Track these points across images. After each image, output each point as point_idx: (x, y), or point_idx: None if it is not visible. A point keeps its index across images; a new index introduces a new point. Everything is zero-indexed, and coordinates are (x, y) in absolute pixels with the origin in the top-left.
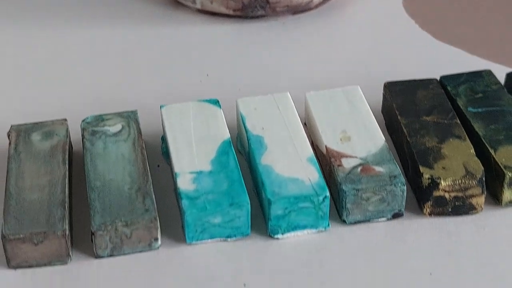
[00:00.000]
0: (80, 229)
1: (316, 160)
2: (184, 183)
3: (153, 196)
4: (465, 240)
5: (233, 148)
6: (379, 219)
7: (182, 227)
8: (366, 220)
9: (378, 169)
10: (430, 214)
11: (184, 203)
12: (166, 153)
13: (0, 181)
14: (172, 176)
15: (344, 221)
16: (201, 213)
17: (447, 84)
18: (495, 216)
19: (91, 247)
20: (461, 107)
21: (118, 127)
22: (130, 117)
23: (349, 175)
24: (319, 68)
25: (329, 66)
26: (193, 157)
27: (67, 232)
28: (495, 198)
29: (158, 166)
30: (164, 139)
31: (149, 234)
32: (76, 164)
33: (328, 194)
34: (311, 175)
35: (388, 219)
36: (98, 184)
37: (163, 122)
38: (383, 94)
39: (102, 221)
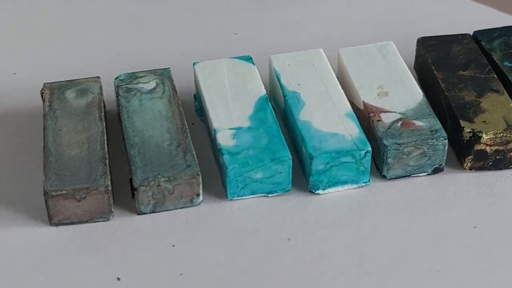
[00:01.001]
0: (119, 187)
1: (355, 115)
2: (224, 139)
3: (194, 152)
4: (506, 193)
5: (270, 104)
6: (420, 174)
7: (223, 183)
8: (407, 175)
9: (418, 123)
10: (470, 169)
11: (226, 158)
12: (200, 111)
13: (36, 139)
14: (209, 134)
15: (384, 177)
16: (243, 168)
17: (481, 39)
18: None
19: (132, 204)
20: (497, 61)
21: (152, 84)
22: (163, 75)
23: (389, 130)
24: (350, 25)
25: (360, 23)
26: (231, 114)
27: (110, 187)
28: None
29: (193, 124)
30: (197, 96)
31: (191, 190)
32: (110, 121)
33: (370, 148)
34: (351, 130)
35: (428, 174)
36: (137, 141)
37: (196, 79)
38: (416, 49)
39: (144, 176)
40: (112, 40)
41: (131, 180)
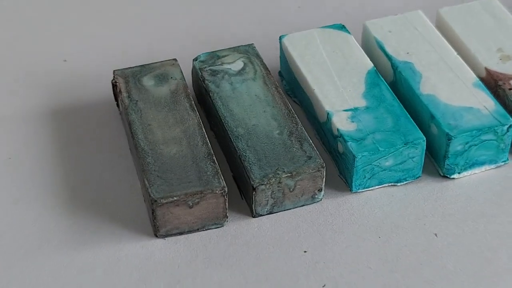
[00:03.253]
0: (228, 186)
1: (483, 85)
2: (342, 123)
3: (310, 139)
4: None
5: (382, 78)
6: None
7: (341, 173)
8: None
9: None
10: None
11: (351, 145)
12: (291, 90)
13: (114, 136)
14: (310, 117)
15: None
16: (373, 155)
17: None
18: None
19: (242, 205)
20: None
21: (239, 64)
22: (248, 52)
23: None
24: None
25: None
26: (342, 93)
27: (226, 189)
28: None
29: None
30: (285, 75)
31: (314, 185)
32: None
33: None
34: (485, 102)
35: None
36: (241, 132)
37: (287, 54)
38: None
39: (262, 173)
40: (175, 18)
41: (235, 178)
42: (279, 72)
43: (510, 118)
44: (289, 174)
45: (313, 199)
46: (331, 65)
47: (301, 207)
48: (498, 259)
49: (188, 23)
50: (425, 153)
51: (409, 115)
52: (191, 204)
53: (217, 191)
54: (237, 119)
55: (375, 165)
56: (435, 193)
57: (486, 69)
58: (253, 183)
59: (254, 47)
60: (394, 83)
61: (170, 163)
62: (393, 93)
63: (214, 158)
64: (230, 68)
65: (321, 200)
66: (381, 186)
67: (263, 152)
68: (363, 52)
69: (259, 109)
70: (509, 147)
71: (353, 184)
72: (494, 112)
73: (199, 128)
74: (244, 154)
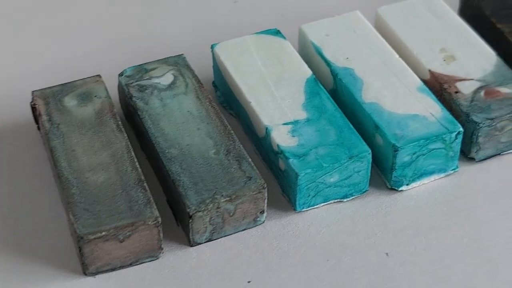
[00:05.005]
0: (161, 212)
1: (428, 89)
2: (282, 138)
3: (249, 158)
4: None
5: (322, 86)
6: (511, 151)
7: (284, 192)
8: (497, 154)
9: (504, 90)
10: None
11: (293, 163)
12: (226, 102)
13: (33, 164)
14: (249, 131)
15: (471, 159)
16: (317, 172)
17: None
18: None
19: (178, 232)
20: None
21: (169, 77)
22: (179, 63)
23: (473, 102)
24: None
25: None
26: (280, 104)
27: (160, 219)
28: None
29: None
30: (219, 85)
31: (255, 207)
32: (126, 129)
33: (461, 128)
34: (432, 108)
35: None
36: (174, 153)
37: (220, 64)
38: (460, 0)
39: (199, 199)
40: (98, 27)
41: (169, 202)
42: (213, 82)
43: (458, 124)
44: (228, 198)
45: (255, 222)
46: (268, 74)
47: (243, 231)
48: (454, 277)
49: (112, 35)
50: (372, 165)
51: (352, 126)
52: (122, 238)
53: (149, 222)
54: (169, 139)
55: (319, 182)
56: (383, 208)
57: (430, 71)
58: (189, 210)
59: (185, 57)
60: (334, 91)
61: (97, 193)
62: (335, 102)
63: (145, 184)
64: (159, 82)
65: (264, 222)
66: (327, 203)
67: (199, 175)
68: (301, 58)
69: (193, 126)
70: (458, 154)
71: (297, 203)
72: (441, 119)
73: (127, 151)
74: (178, 178)
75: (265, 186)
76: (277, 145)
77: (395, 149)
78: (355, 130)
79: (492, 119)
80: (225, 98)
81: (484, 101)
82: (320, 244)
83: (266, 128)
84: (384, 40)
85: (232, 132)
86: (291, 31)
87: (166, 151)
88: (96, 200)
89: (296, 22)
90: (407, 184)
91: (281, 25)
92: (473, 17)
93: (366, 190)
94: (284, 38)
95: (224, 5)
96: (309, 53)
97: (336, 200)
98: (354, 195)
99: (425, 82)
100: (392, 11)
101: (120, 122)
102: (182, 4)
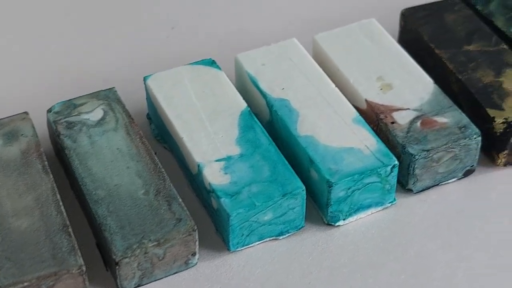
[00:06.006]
0: (89, 257)
1: (364, 120)
2: (214, 176)
3: (180, 198)
4: None
5: (256, 119)
6: (449, 181)
7: (218, 231)
8: (435, 185)
9: (441, 119)
10: (505, 165)
11: (225, 202)
12: (160, 136)
13: None
14: (183, 166)
15: (409, 190)
16: (250, 212)
17: (473, 3)
18: None
19: (106, 277)
20: (501, 28)
21: (98, 112)
22: (109, 97)
23: (409, 133)
24: (313, 2)
25: (323, 0)
26: (213, 140)
27: (84, 267)
28: None
29: (155, 154)
30: (153, 117)
31: (187, 250)
32: (53, 169)
33: (396, 162)
34: (367, 140)
35: (458, 179)
36: (101, 194)
37: (152, 96)
38: (400, 24)
39: (126, 244)
40: (26, 60)
41: (98, 245)
42: (147, 115)
43: (393, 158)
44: (156, 243)
45: (187, 265)
46: (201, 107)
47: (174, 275)
48: None
49: (41, 68)
50: (309, 199)
51: (286, 161)
52: None
53: (73, 271)
54: (97, 179)
55: (253, 221)
56: (320, 245)
57: (366, 101)
58: (115, 256)
59: (115, 91)
60: (271, 123)
61: (20, 240)
62: (270, 136)
63: (70, 229)
64: (89, 118)
65: (196, 264)
66: (262, 241)
67: (127, 218)
68: (236, 90)
69: (122, 165)
70: (395, 187)
71: (231, 243)
72: (376, 152)
73: (52, 194)
74: (104, 222)
75: (195, 228)
76: (209, 183)
77: (329, 185)
78: (289, 166)
79: (428, 150)
80: (159, 131)
81: (420, 131)
82: (254, 285)
83: (198, 165)
84: (320, 69)
85: (163, 170)
86: (230, 58)
87: (93, 192)
88: (19, 248)
89: (234, 50)
90: (344, 219)
91: (219, 52)
92: (413, 42)
93: (302, 227)
94: (219, 68)
95: (161, 32)
96: (245, 83)
97: (271, 238)
98: (290, 232)
99: (362, 112)
100: (329, 38)
101: (46, 163)
102: (116, 33)
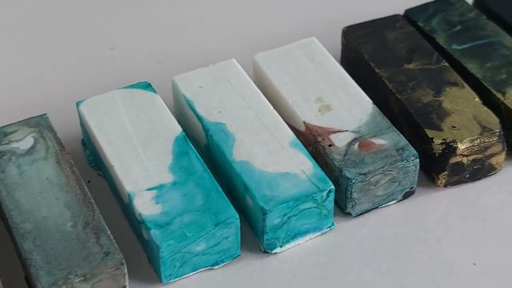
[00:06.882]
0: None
1: (302, 143)
2: (145, 206)
3: (108, 231)
4: (496, 209)
5: (191, 145)
6: (389, 203)
7: (151, 262)
8: (374, 208)
9: (379, 141)
10: (445, 185)
11: (154, 234)
12: (95, 162)
13: None
14: (116, 194)
15: (348, 214)
16: (181, 243)
17: (415, 19)
18: None
19: None
20: (443, 45)
21: (29, 140)
22: (40, 125)
23: (346, 156)
24: (254, 20)
25: (264, 18)
26: (145, 167)
27: None
28: (510, 150)
29: (89, 182)
30: (87, 143)
31: (115, 284)
32: None
33: (332, 186)
34: (303, 164)
35: (398, 201)
36: (28, 227)
37: (85, 122)
38: (342, 42)
39: (51, 280)
40: None
41: (26, 279)
42: (82, 140)
43: (329, 182)
44: (82, 278)
45: None
46: (135, 133)
47: None
48: None
49: None
50: (246, 226)
51: (220, 188)
52: None
53: None
54: (25, 211)
55: (185, 252)
56: (256, 274)
57: (304, 123)
58: None
59: (47, 118)
60: (208, 147)
61: None
62: (207, 161)
63: None
64: (18, 147)
65: None
66: (197, 271)
67: (54, 252)
68: (171, 114)
69: (51, 196)
70: (332, 211)
71: (163, 274)
72: (312, 176)
73: None
74: (30, 257)
75: (123, 262)
76: (139, 213)
77: (264, 212)
78: (223, 193)
79: (365, 174)
80: (94, 158)
81: (357, 154)
82: None
83: (129, 195)
84: (259, 91)
85: (92, 201)
86: (169, 80)
87: (20, 225)
88: None
89: (173, 71)
90: (281, 246)
91: (157, 74)
92: (354, 61)
93: (238, 255)
94: (155, 92)
95: (100, 53)
96: (182, 107)
97: (206, 268)
98: (225, 261)
99: (301, 134)
100: (269, 58)
101: None
102: (51, 55)
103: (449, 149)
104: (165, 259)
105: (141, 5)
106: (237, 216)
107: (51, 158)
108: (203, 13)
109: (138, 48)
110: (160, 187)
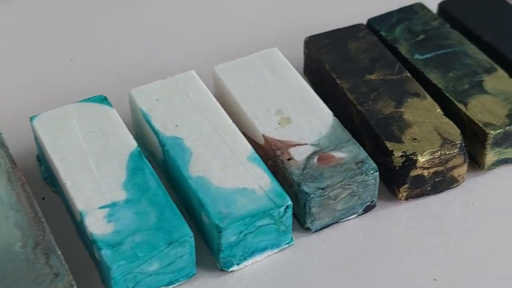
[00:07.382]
0: None
1: (259, 157)
2: (97, 225)
3: (59, 251)
4: (457, 222)
5: (146, 161)
6: (350, 217)
7: (104, 282)
8: (334, 222)
9: (338, 155)
10: (406, 198)
11: (105, 254)
12: (50, 179)
13: None
14: (70, 212)
15: (308, 229)
16: (132, 263)
17: (378, 29)
18: (479, 184)
19: None
20: (405, 55)
21: None
22: None
23: (305, 170)
24: (215, 31)
25: (226, 28)
26: (98, 184)
27: None
28: (473, 161)
29: (43, 199)
30: (42, 159)
31: None
32: None
33: (290, 202)
34: (261, 179)
35: (359, 215)
36: None
37: (38, 138)
38: (304, 52)
39: None
40: None
41: None
42: (37, 156)
43: (287, 198)
44: None
45: None
46: (88, 149)
47: None
48: None
49: None
50: (203, 243)
51: (175, 206)
52: None
53: None
54: None
55: (137, 272)
56: None
57: (264, 136)
58: None
59: (0, 134)
60: (165, 162)
61: None
62: (164, 177)
63: None
64: None
65: None
66: None
67: (2, 274)
68: (126, 129)
69: (1, 215)
70: (291, 227)
71: None
72: (270, 192)
73: None
74: None
75: (73, 283)
76: (91, 233)
77: (219, 230)
78: (177, 211)
79: (323, 188)
80: (48, 174)
81: (316, 168)
82: None
83: (81, 213)
84: (218, 104)
85: (43, 220)
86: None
87: None
88: None
89: (132, 84)
90: (238, 264)
91: (115, 86)
92: (316, 71)
93: (194, 274)
94: (111, 105)
95: (59, 65)
96: (139, 120)
97: None
98: (180, 281)
99: (260, 147)
100: (229, 69)
101: None
102: (8, 67)
103: (409, 161)
104: (117, 280)
105: (101, 16)
106: (191, 234)
107: (3, 176)
108: (164, 24)
109: (97, 59)
110: (112, 205)
